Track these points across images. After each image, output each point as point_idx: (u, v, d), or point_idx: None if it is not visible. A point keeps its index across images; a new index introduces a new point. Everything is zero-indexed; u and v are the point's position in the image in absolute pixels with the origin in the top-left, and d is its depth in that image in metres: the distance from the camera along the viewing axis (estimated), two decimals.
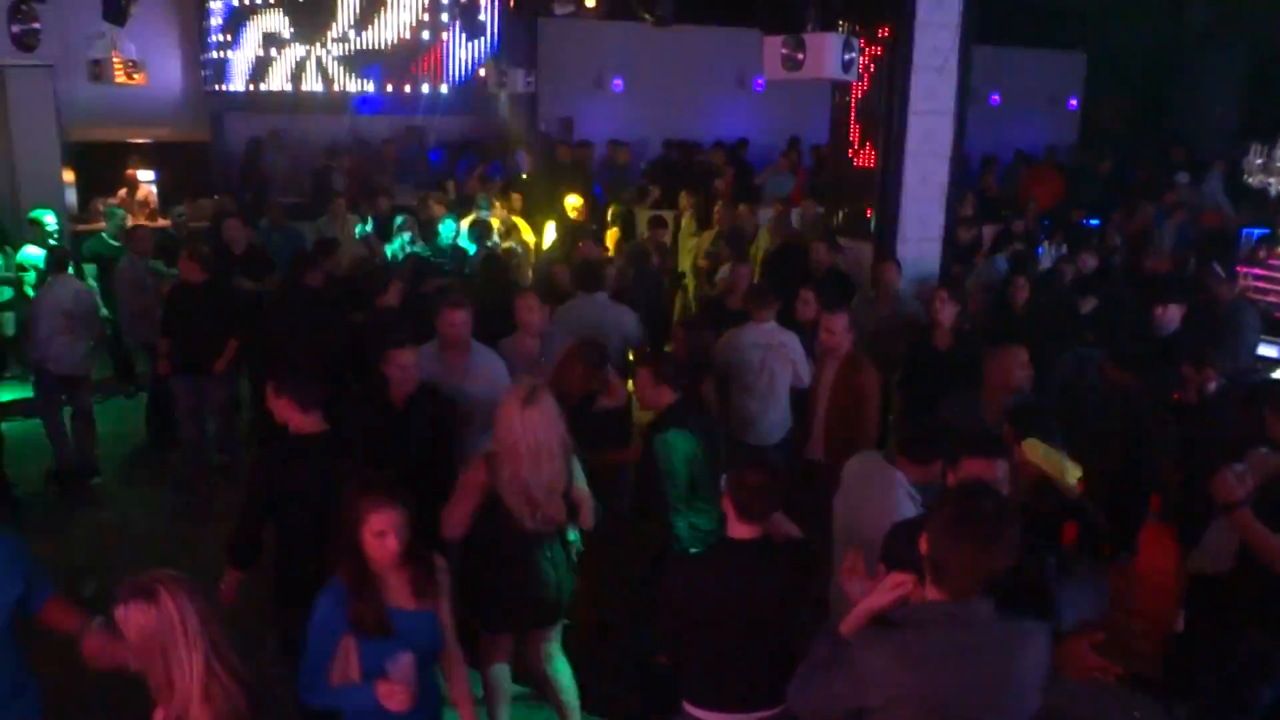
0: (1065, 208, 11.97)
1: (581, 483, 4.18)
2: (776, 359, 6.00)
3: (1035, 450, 3.77)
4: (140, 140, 12.57)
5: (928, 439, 3.96)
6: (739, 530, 3.37)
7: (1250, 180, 8.30)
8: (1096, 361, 6.61)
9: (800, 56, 6.65)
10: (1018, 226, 10.33)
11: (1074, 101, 17.46)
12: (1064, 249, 9.75)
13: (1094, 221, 11.24)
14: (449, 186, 11.81)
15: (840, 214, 8.84)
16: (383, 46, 12.98)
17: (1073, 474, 3.74)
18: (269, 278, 8.25)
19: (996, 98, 16.14)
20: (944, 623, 2.49)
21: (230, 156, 13.15)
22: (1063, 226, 10.54)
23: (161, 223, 10.92)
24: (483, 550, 4.11)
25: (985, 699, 2.51)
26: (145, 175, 12.21)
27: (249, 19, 12.68)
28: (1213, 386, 5.43)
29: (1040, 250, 9.88)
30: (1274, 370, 7.63)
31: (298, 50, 12.78)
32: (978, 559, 2.44)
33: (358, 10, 12.72)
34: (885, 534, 3.42)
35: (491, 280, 7.55)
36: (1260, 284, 8.69)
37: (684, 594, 3.45)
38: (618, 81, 15.01)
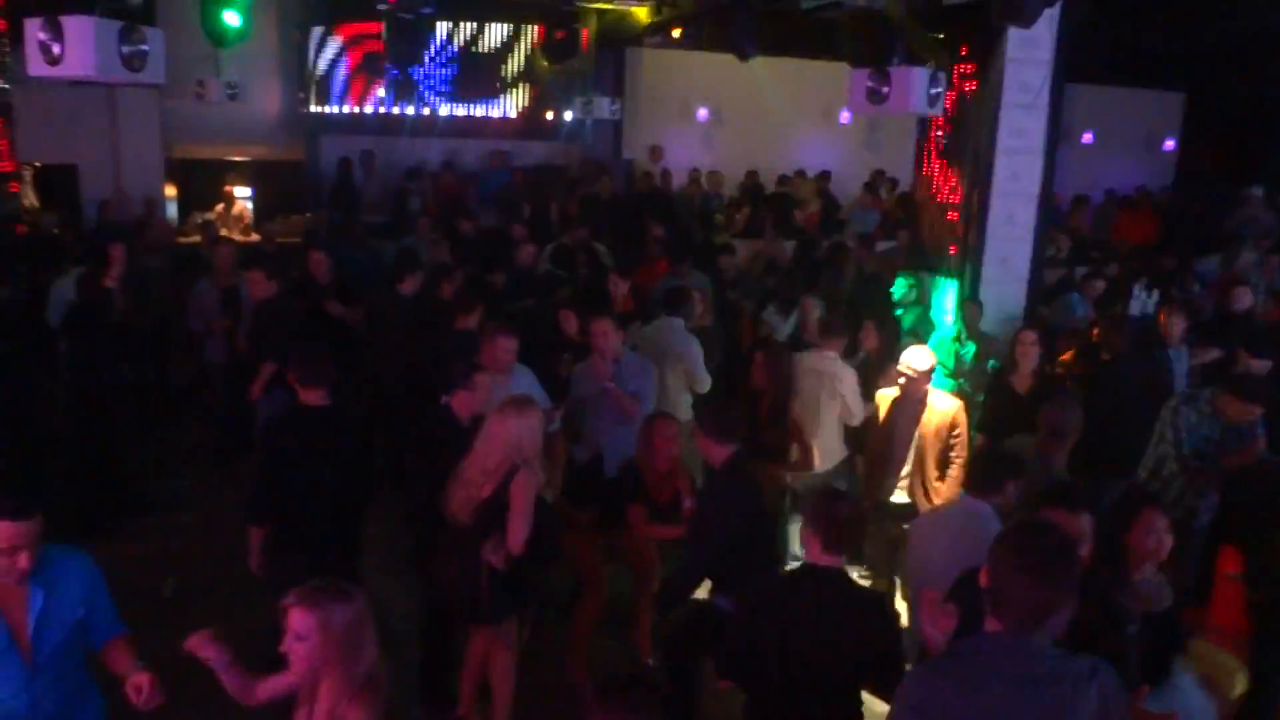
0: (1157, 251, 11.62)
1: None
2: (824, 389, 5.99)
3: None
4: (238, 158, 13.02)
5: (992, 465, 4.07)
6: (824, 559, 3.34)
7: None
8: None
9: (885, 90, 6.58)
10: (1112, 270, 10.05)
11: (1170, 143, 17.01)
12: (1155, 293, 9.45)
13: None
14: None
15: (923, 251, 8.74)
16: (476, 71, 13.28)
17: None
18: (352, 308, 7.85)
19: (1090, 136, 15.81)
20: (1002, 654, 2.45)
21: (323, 176, 13.54)
22: (1153, 270, 10.22)
23: (253, 238, 11.26)
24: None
25: None
26: (242, 192, 12.64)
27: (347, 42, 13.07)
28: None
29: (1133, 293, 9.60)
30: None
31: (392, 73, 13.14)
32: (1036, 590, 2.40)
33: (452, 35, 13.03)
34: (956, 576, 3.35)
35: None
36: None
37: (758, 614, 3.40)
38: (703, 111, 15.09)
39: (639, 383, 5.72)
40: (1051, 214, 9.32)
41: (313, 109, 13.31)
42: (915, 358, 5.48)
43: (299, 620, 2.63)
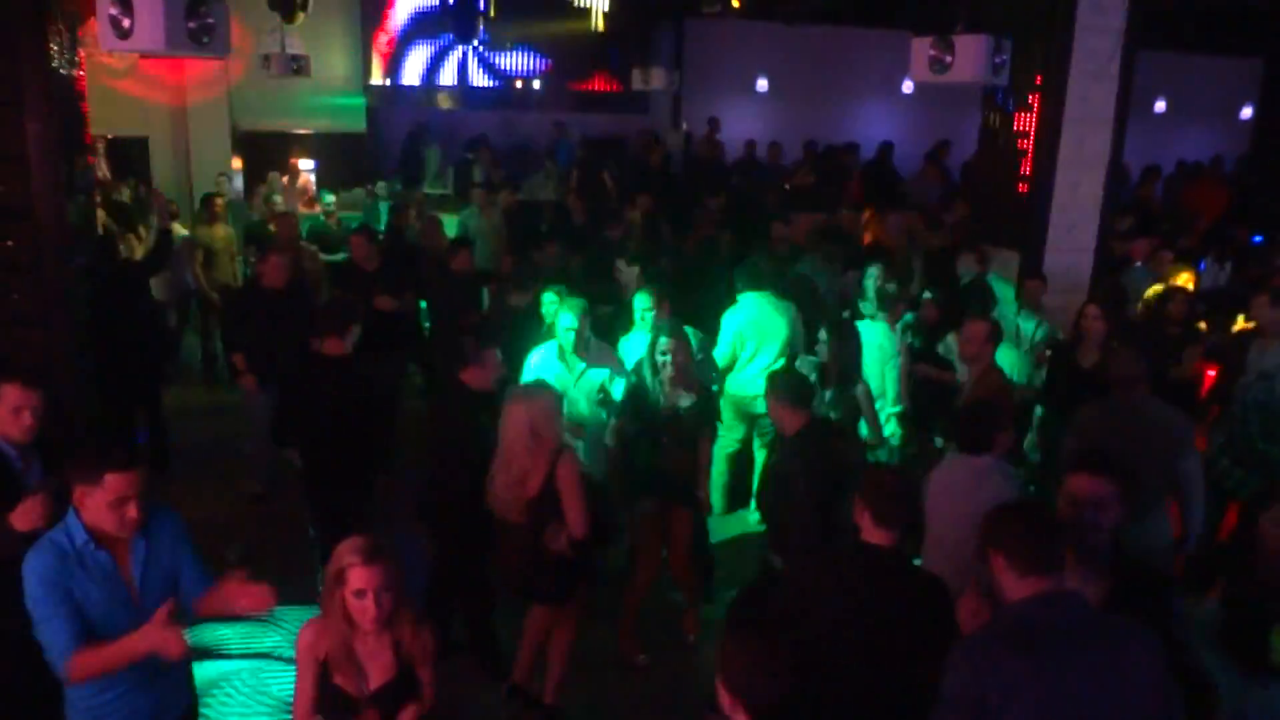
0: (1230, 223, 11.29)
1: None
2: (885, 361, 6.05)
3: None
4: (302, 131, 13.22)
5: (975, 423, 4.15)
6: (875, 535, 3.30)
7: None
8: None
9: (949, 59, 6.44)
10: (1183, 243, 9.78)
11: (1248, 111, 16.46)
12: (1227, 267, 9.21)
13: (1258, 239, 10.57)
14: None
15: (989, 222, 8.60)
16: (538, 43, 13.33)
17: None
18: (407, 294, 7.62)
19: (1163, 105, 15.37)
20: (1042, 611, 2.62)
21: (387, 148, 13.69)
22: (1227, 243, 9.94)
23: (316, 209, 11.45)
24: None
25: (1100, 686, 2.55)
26: (305, 164, 12.84)
27: (412, 15, 13.18)
28: None
29: (1202, 266, 9.36)
30: None
31: (456, 46, 13.24)
32: (1039, 539, 2.66)
33: (507, 8, 13.08)
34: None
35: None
36: None
37: (803, 592, 3.36)
38: (762, 82, 14.94)
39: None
40: (1121, 185, 9.10)
41: (376, 81, 13.44)
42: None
43: (380, 575, 2.83)
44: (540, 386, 4.52)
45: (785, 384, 4.52)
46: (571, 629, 4.62)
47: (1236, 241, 10.10)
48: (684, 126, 14.53)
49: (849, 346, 5.65)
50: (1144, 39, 7.85)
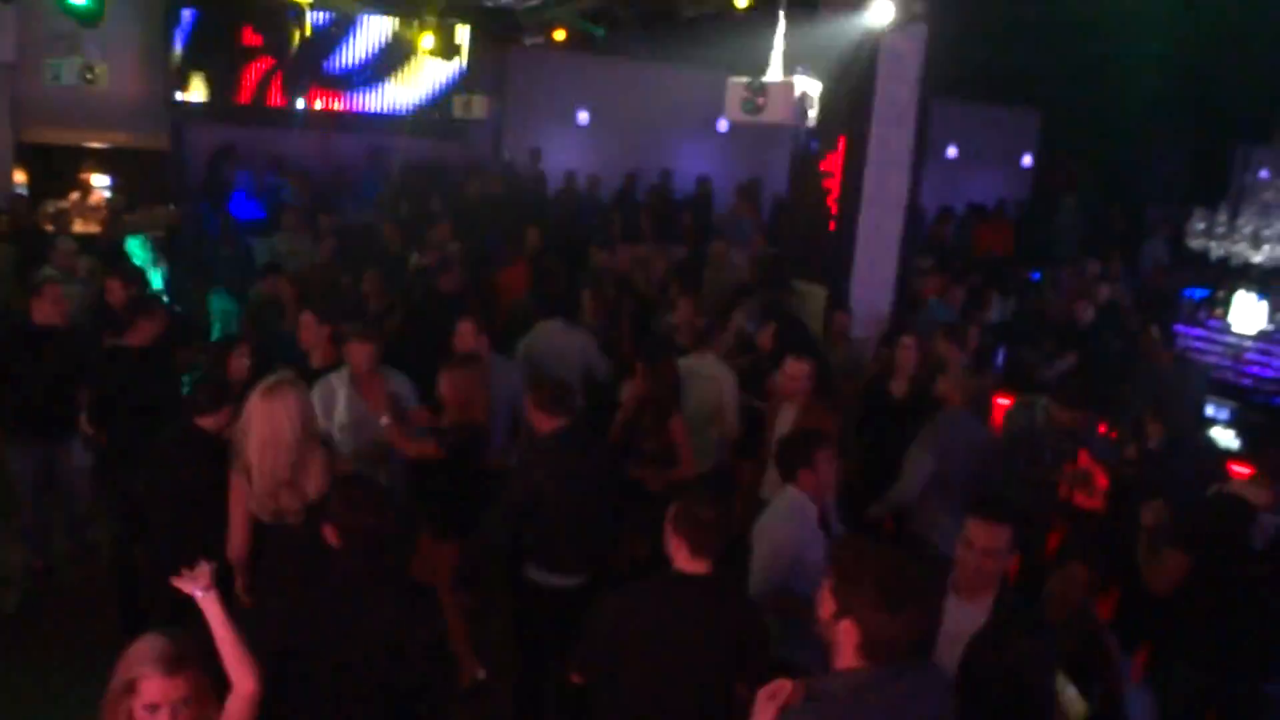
0: (1013, 261, 12.22)
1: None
2: (699, 391, 6.05)
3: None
4: (97, 145, 12.40)
5: (788, 453, 4.21)
6: (692, 566, 3.30)
7: (1193, 244, 8.54)
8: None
9: (760, 101, 6.72)
10: (974, 279, 10.50)
11: (1028, 158, 17.87)
12: (1011, 301, 9.94)
13: (1036, 276, 11.50)
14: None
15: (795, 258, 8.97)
16: (353, 64, 13.02)
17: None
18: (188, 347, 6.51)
19: (954, 150, 16.47)
20: (874, 690, 2.45)
21: (191, 166, 13.01)
22: (1011, 279, 10.74)
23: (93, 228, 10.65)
24: None
25: None
26: (100, 181, 12.05)
27: (217, 28, 12.61)
28: (1154, 444, 5.57)
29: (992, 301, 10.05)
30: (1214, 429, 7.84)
31: (266, 63, 12.75)
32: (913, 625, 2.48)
33: (329, 26, 12.75)
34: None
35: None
36: (1200, 344, 8.95)
37: (619, 620, 3.36)
38: (583, 114, 15.11)
39: None
40: (918, 225, 9.69)
41: (180, 96, 12.78)
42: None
43: (183, 688, 2.45)
44: (283, 382, 4.22)
45: (544, 390, 4.68)
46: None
47: (1019, 278, 10.93)
48: (505, 155, 14.51)
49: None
50: (937, 89, 8.43)
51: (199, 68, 12.60)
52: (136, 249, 9.09)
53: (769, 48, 6.59)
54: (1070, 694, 3.43)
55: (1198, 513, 4.43)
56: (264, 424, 4.04)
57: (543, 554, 4.58)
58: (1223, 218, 8.13)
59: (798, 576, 3.89)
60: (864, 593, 2.41)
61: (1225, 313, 8.91)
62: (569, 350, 6.65)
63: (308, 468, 4.08)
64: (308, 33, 12.49)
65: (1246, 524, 4.23)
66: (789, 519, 4.09)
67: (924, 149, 8.42)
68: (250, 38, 12.71)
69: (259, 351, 5.60)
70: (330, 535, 3.40)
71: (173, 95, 12.67)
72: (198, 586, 2.86)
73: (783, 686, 2.46)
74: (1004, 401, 6.91)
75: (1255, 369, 8.56)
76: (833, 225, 8.62)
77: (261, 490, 4.08)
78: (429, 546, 5.07)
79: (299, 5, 11.07)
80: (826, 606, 2.49)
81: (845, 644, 2.44)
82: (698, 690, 3.31)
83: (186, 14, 12.45)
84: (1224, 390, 8.31)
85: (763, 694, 2.48)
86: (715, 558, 3.33)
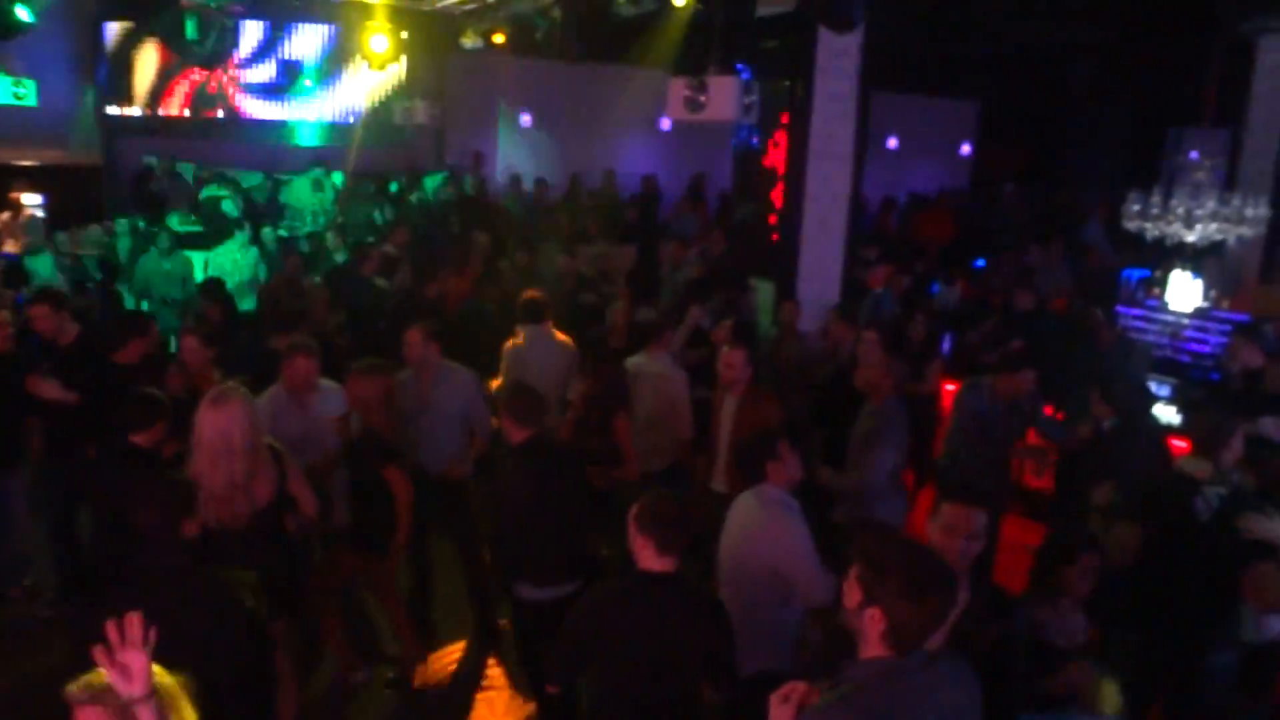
0: (957, 249, 12.39)
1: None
2: (651, 390, 6.04)
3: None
4: (27, 163, 12.10)
5: (745, 456, 4.18)
6: (659, 564, 3.32)
7: (1129, 226, 8.70)
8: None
9: (702, 99, 6.78)
10: (918, 267, 10.64)
11: (967, 148, 18.12)
12: (956, 287, 10.07)
13: (980, 263, 11.66)
14: None
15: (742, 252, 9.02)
16: (290, 73, 12.86)
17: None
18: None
19: (894, 142, 16.66)
20: (899, 677, 2.46)
21: (125, 181, 12.74)
22: (955, 266, 10.89)
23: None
24: None
25: None
26: (31, 199, 11.75)
27: (146, 40, 12.38)
28: (1107, 424, 5.67)
29: (935, 289, 10.19)
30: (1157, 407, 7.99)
31: (199, 74, 12.55)
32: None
33: (261, 36, 12.57)
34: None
35: None
36: (1139, 324, 9.14)
37: (589, 623, 3.39)
38: (526, 117, 15.05)
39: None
40: (862, 216, 9.79)
41: (111, 110, 12.51)
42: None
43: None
44: (229, 391, 4.21)
45: (513, 400, 4.63)
46: None
47: (963, 265, 11.09)
48: (448, 160, 14.41)
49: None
50: (877, 81, 8.52)
51: (130, 81, 12.35)
52: (43, 267, 8.84)
53: (708, 46, 6.64)
54: (1107, 687, 3.48)
55: (1147, 489, 4.53)
56: (214, 433, 4.06)
57: (523, 569, 4.50)
58: (1156, 199, 8.29)
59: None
60: (891, 581, 2.42)
61: (1163, 292, 9.11)
62: (559, 358, 6.54)
63: (258, 474, 4.14)
64: (242, 42, 12.32)
65: (1191, 497, 4.33)
66: (785, 514, 4.01)
67: (864, 141, 8.50)
68: (182, 49, 12.49)
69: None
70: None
71: (104, 109, 12.41)
72: (134, 688, 2.34)
73: (795, 688, 2.46)
74: (951, 387, 7.00)
75: (1193, 345, 8.76)
76: (773, 219, 8.68)
77: (213, 497, 4.05)
78: (340, 554, 5.08)
79: (233, 14, 10.90)
80: (853, 595, 2.49)
81: (871, 632, 2.45)
82: (670, 688, 3.33)
83: (115, 27, 12.22)
84: (1164, 367, 8.50)
85: (775, 698, 2.47)
86: (680, 555, 3.35)
